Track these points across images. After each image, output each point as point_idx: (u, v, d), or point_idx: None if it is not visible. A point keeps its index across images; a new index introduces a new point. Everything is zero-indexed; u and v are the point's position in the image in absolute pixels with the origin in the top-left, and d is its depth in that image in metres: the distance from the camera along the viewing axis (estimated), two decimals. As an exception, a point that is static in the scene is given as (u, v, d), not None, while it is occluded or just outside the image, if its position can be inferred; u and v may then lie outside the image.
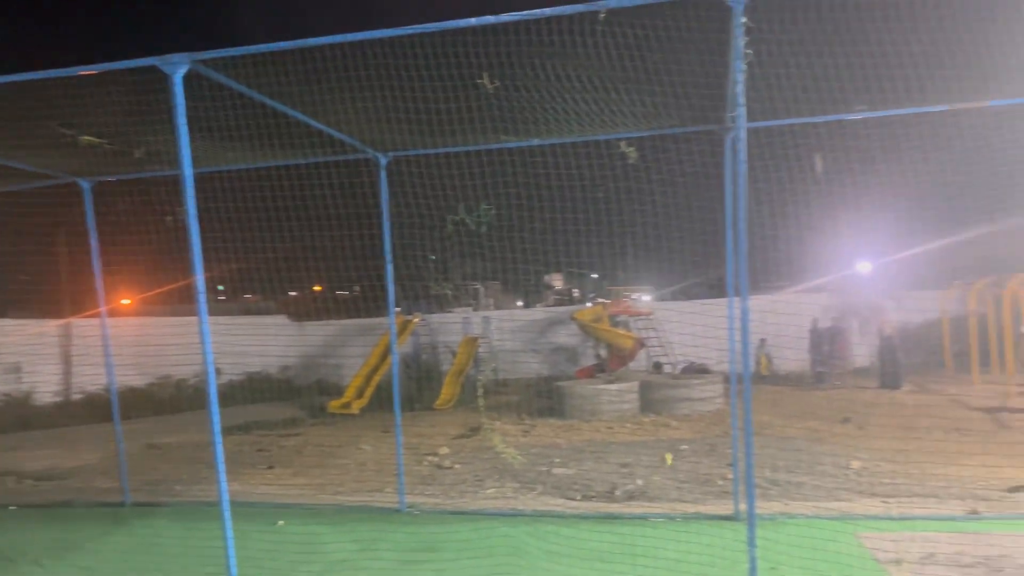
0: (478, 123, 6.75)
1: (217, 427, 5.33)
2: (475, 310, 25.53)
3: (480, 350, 20.81)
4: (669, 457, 10.02)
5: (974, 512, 7.31)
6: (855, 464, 9.66)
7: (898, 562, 5.91)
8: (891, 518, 7.23)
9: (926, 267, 19.03)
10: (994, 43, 5.67)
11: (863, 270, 22.02)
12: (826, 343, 19.50)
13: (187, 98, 5.26)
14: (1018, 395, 14.66)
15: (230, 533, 5.39)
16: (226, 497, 5.34)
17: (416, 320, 20.80)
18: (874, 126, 7.31)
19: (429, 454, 11.73)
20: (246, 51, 5.36)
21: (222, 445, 5.36)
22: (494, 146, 7.72)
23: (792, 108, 6.77)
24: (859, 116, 7.17)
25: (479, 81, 6.06)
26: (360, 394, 17.99)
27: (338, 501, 8.96)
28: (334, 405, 17.49)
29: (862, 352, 21.58)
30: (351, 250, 9.50)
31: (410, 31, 5.27)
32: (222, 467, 5.33)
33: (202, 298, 5.31)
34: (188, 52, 5.28)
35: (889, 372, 18.00)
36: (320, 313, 21.87)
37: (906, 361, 19.25)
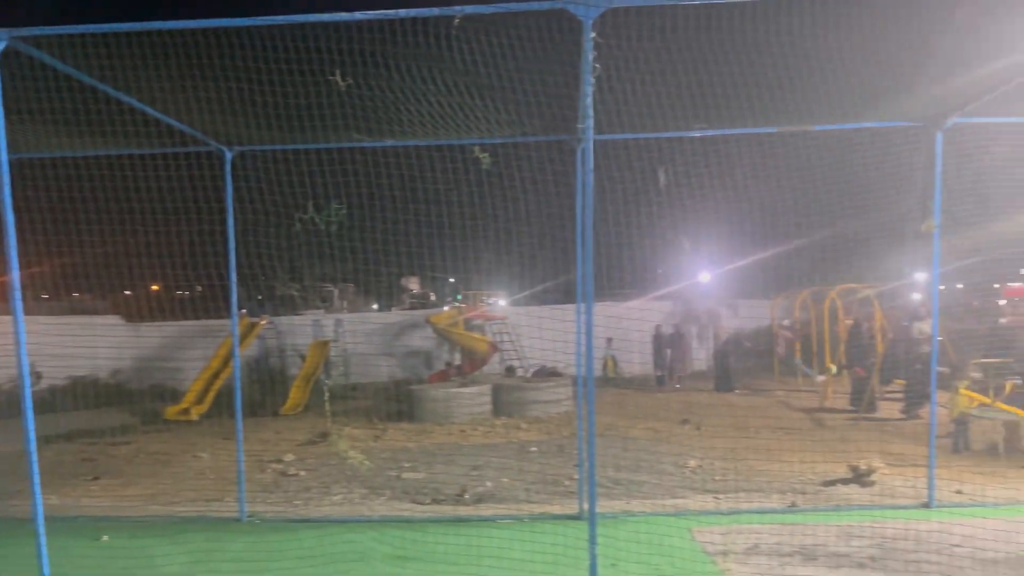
0: (329, 120, 6.61)
1: (32, 435, 4.90)
2: (327, 312, 24.90)
3: (331, 354, 20.31)
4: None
5: (793, 505, 7.91)
6: (692, 463, 10.20)
7: (725, 554, 6.29)
8: (721, 513, 7.70)
9: (758, 277, 20.46)
10: (816, 73, 6.18)
11: (702, 279, 23.40)
12: (667, 348, 20.50)
13: (5, 77, 4.82)
14: (834, 396, 16.03)
15: (45, 551, 4.96)
16: (41, 511, 4.91)
17: (263, 322, 20.02)
18: (711, 143, 7.79)
19: (273, 461, 11.31)
20: (74, 30, 4.98)
21: (38, 454, 4.94)
22: (346, 144, 7.57)
23: (638, 123, 7.08)
24: (698, 134, 7.62)
25: (331, 78, 5.93)
26: (200, 399, 17.08)
27: (171, 512, 8.46)
28: (171, 411, 16.49)
29: (700, 356, 22.92)
30: (192, 247, 9.02)
31: (258, 22, 5.07)
32: (37, 478, 4.90)
33: (17, 296, 4.87)
34: (7, 28, 4.84)
35: (722, 376, 19.18)
36: (157, 313, 20.59)
37: (738, 365, 20.64)
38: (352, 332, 22.15)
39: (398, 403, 16.53)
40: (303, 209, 7.30)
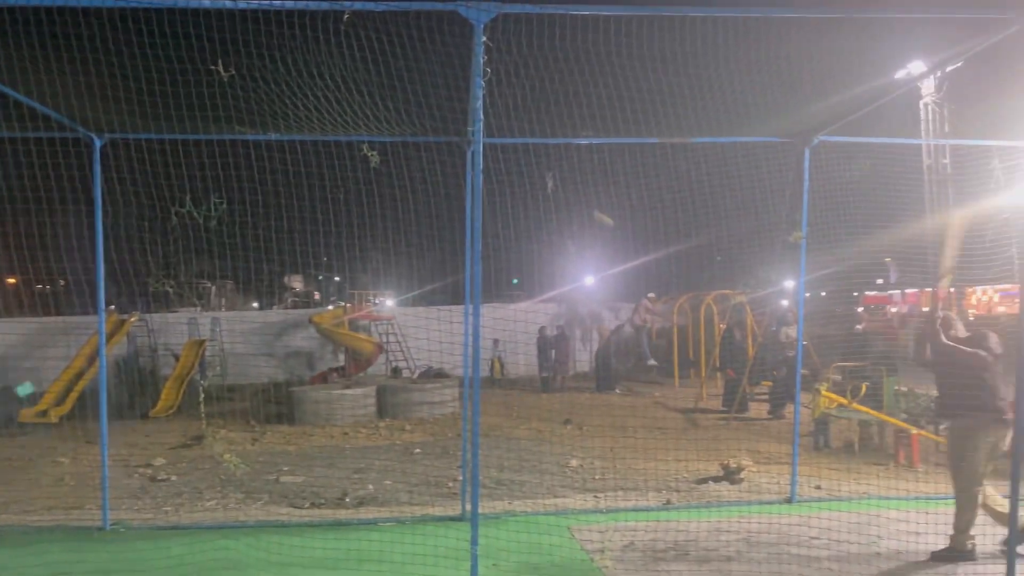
0: (210, 111, 6.34)
1: None
2: (204, 310, 23.90)
3: (207, 353, 19.50)
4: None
5: (668, 503, 8.22)
6: (573, 462, 10.42)
7: (602, 551, 6.46)
8: (599, 511, 7.90)
9: (640, 281, 21.21)
10: (695, 88, 6.47)
11: (587, 282, 24.00)
12: (551, 349, 20.87)
13: None
14: (709, 397, 16.76)
15: None
16: None
17: (133, 319, 18.98)
18: (597, 151, 8.01)
19: (142, 466, 10.75)
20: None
21: None
22: (228, 136, 7.28)
23: (527, 128, 7.19)
24: (585, 141, 7.81)
25: (213, 67, 5.71)
26: (60, 401, 16.00)
27: (25, 521, 7.88)
28: (27, 413, 15.36)
29: (583, 358, 23.46)
30: (56, 239, 8.45)
31: (132, 4, 4.81)
32: None
33: None
34: None
35: (603, 376, 19.71)
36: (14, 309, 19.13)
37: (619, 366, 21.28)
38: (230, 331, 21.36)
39: (278, 405, 16.07)
40: (180, 202, 6.97)
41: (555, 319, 22.60)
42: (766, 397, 15.39)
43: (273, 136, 7.31)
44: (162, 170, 7.40)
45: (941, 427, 10.31)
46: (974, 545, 6.19)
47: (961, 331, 6.45)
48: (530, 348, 20.97)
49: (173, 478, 9.97)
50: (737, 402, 14.92)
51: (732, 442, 11.36)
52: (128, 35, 5.52)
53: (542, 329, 20.84)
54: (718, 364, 17.29)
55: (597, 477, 9.57)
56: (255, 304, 29.88)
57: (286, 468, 10.41)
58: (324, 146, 7.55)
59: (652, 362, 21.34)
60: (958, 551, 6.15)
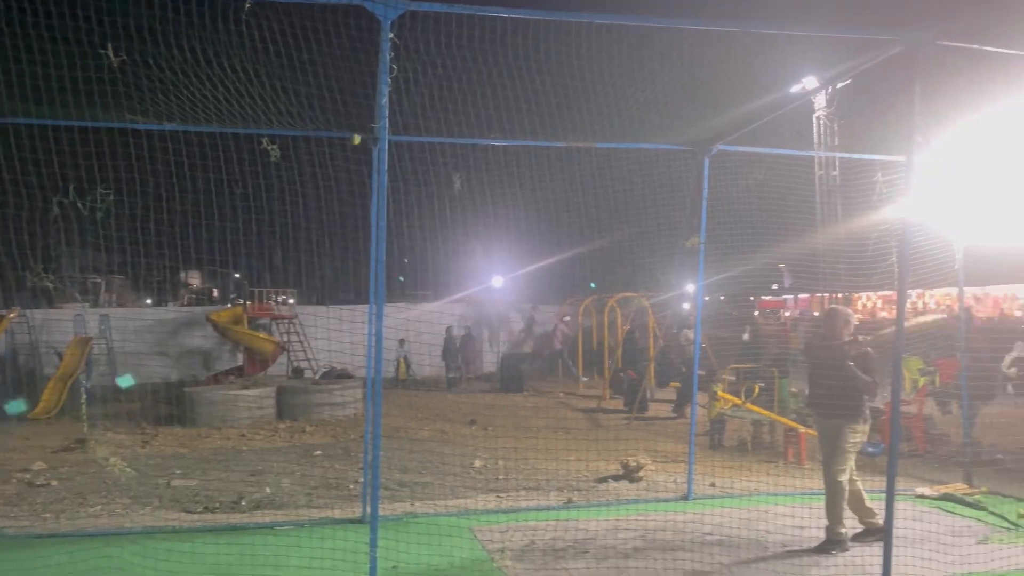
0: (98, 97, 6.00)
1: None
2: (92, 306, 22.70)
3: (94, 352, 18.52)
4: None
5: (569, 502, 8.33)
6: (477, 463, 10.43)
7: (503, 550, 6.49)
8: (502, 511, 7.92)
9: (546, 283, 21.47)
10: (600, 94, 6.60)
11: (495, 284, 24.12)
12: (458, 350, 20.86)
13: None
14: (611, 398, 17.10)
15: None
16: None
17: (12, 316, 17.84)
18: (503, 153, 8.04)
19: (19, 470, 10.10)
20: None
21: None
22: (117, 124, 6.91)
23: (435, 127, 7.15)
24: (493, 143, 7.83)
25: (102, 51, 5.42)
26: (-70, 402, 14.89)
27: None
28: None
29: (490, 359, 23.55)
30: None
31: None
32: None
33: None
34: None
35: (508, 377, 19.85)
36: None
37: (526, 367, 21.47)
38: (121, 328, 20.36)
39: (170, 406, 15.42)
40: (63, 192, 6.57)
41: (462, 320, 22.60)
42: (669, 398, 15.82)
43: (167, 126, 6.98)
44: (43, 157, 6.94)
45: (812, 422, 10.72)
46: (847, 534, 6.56)
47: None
48: (437, 349, 20.90)
49: (54, 483, 9.42)
50: (638, 402, 15.28)
51: (632, 441, 11.61)
52: (9, 12, 5.18)
53: (449, 329, 20.80)
54: (620, 365, 17.65)
55: (500, 477, 9.60)
56: (148, 301, 28.63)
57: (178, 472, 10.01)
58: (222, 138, 7.28)
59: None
60: (835, 541, 6.49)
